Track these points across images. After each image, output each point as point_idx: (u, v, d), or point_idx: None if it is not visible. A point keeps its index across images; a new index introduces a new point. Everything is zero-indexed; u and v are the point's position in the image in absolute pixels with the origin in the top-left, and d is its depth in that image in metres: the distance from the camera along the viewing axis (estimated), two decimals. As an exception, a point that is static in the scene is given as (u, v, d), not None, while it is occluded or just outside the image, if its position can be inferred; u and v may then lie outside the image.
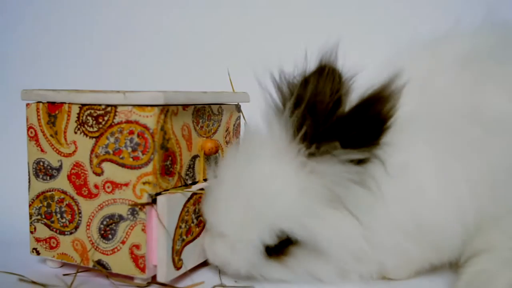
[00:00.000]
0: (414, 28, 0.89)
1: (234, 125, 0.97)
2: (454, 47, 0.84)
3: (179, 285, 0.79)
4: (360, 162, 0.72)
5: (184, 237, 0.80)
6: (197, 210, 0.82)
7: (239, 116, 0.99)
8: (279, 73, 0.77)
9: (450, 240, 0.77)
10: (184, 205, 0.79)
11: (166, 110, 0.76)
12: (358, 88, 0.73)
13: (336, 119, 0.70)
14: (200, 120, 0.85)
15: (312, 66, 0.75)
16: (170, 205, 0.75)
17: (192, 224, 0.81)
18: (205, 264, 0.87)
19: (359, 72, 0.74)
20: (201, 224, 0.84)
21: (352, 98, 0.72)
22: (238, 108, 0.98)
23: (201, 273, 0.85)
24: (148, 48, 1.45)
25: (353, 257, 0.75)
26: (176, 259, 0.78)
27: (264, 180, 0.74)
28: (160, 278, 0.76)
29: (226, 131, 0.94)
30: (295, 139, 0.73)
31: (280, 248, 0.76)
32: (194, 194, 0.81)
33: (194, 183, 0.85)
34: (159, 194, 0.76)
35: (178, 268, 0.78)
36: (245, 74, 1.13)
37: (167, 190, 0.77)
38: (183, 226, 0.79)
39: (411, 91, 0.74)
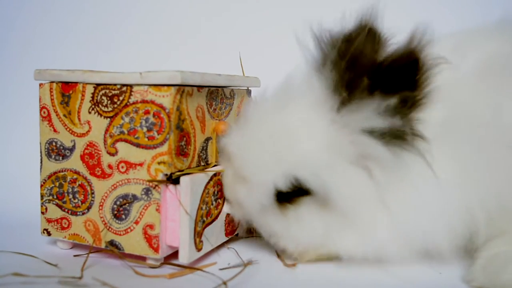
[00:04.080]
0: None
1: (244, 110, 0.97)
2: (475, 51, 0.83)
3: (192, 266, 0.79)
4: (390, 111, 0.71)
5: (205, 218, 0.80)
6: (215, 192, 0.82)
7: (250, 101, 0.99)
8: (319, 30, 0.78)
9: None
10: (205, 187, 0.79)
11: (182, 90, 0.76)
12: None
13: (369, 67, 0.71)
14: (213, 103, 0.85)
15: (351, 25, 0.76)
16: (193, 186, 0.75)
17: (211, 206, 0.81)
18: (220, 246, 0.87)
19: (395, 34, 0.74)
20: (219, 206, 0.84)
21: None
22: (249, 92, 0.98)
23: (212, 254, 0.85)
24: (158, 31, 1.45)
25: (363, 215, 0.75)
26: (197, 241, 0.78)
27: (292, 126, 0.74)
28: (182, 260, 0.76)
29: (237, 115, 0.94)
30: (333, 92, 0.73)
31: (291, 196, 0.77)
32: (214, 175, 0.81)
33: (207, 165, 0.85)
34: (172, 174, 0.76)
35: (199, 250, 0.79)
36: (255, 60, 1.14)
37: (182, 170, 0.77)
38: (204, 207, 0.79)
39: (434, 99, 0.75)
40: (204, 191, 0.78)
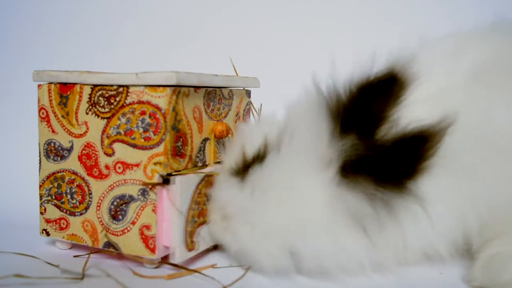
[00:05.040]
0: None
1: (244, 110, 0.97)
2: (469, 53, 0.81)
3: (190, 267, 0.79)
4: (388, 199, 0.71)
5: (197, 218, 0.80)
6: (208, 192, 0.82)
7: (249, 102, 0.99)
8: (334, 84, 0.75)
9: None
10: (197, 187, 0.79)
11: (178, 91, 0.76)
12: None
13: (375, 149, 0.69)
14: (211, 103, 0.85)
15: (379, 72, 0.74)
16: (184, 186, 0.75)
17: (204, 206, 0.81)
18: (217, 246, 0.87)
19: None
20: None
21: (397, 130, 0.71)
22: (248, 93, 0.98)
23: (212, 256, 0.85)
24: (157, 32, 1.45)
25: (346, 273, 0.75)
26: (189, 241, 0.78)
27: (296, 198, 0.73)
28: (173, 259, 0.76)
29: (236, 116, 0.94)
30: (338, 163, 0.72)
31: None
32: (206, 176, 0.81)
33: (204, 166, 0.85)
34: (170, 175, 0.76)
35: (190, 250, 0.79)
36: (255, 60, 1.14)
37: (179, 171, 0.77)
38: (195, 207, 0.79)
39: (428, 104, 0.74)
40: (195, 191, 0.78)
